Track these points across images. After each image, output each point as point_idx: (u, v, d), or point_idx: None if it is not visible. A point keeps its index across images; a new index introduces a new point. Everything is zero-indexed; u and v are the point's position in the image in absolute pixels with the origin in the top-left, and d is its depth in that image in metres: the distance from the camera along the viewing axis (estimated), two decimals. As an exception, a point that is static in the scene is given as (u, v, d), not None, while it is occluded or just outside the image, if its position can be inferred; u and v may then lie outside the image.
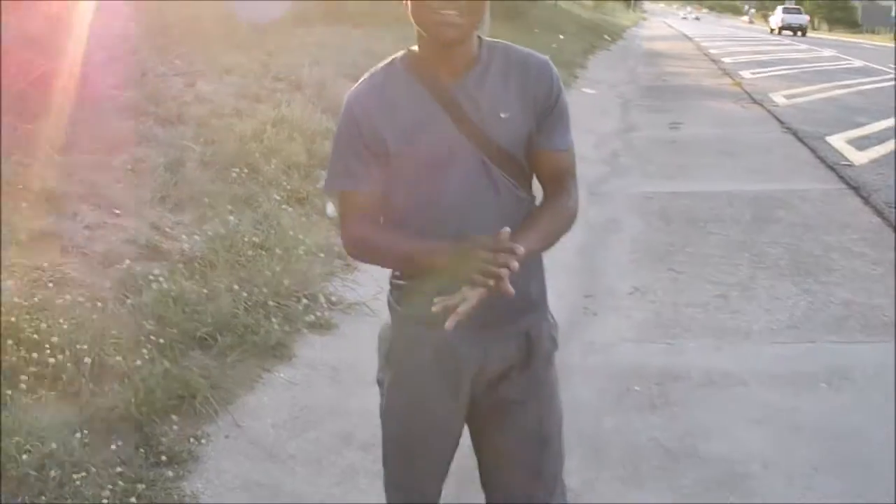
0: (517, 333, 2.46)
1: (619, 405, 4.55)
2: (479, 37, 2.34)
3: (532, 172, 2.40)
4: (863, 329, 5.44)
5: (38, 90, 6.75)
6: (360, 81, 2.38)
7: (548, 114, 2.34)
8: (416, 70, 2.31)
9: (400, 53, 2.37)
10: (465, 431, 2.59)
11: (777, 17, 62.69)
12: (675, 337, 5.38)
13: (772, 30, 62.86)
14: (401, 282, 2.46)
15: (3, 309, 4.16)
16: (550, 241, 2.38)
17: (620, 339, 5.40)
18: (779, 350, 5.16)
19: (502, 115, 2.29)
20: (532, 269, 2.39)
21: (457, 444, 2.60)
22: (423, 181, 2.31)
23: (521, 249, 2.10)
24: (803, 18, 60.32)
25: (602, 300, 6.07)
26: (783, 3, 68.83)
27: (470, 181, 2.30)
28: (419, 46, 2.32)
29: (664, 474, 3.89)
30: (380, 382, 2.59)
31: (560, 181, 2.42)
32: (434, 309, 2.15)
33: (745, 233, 7.53)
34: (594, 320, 5.70)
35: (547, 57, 2.40)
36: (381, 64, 2.38)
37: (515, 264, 2.08)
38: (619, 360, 5.08)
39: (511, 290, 2.09)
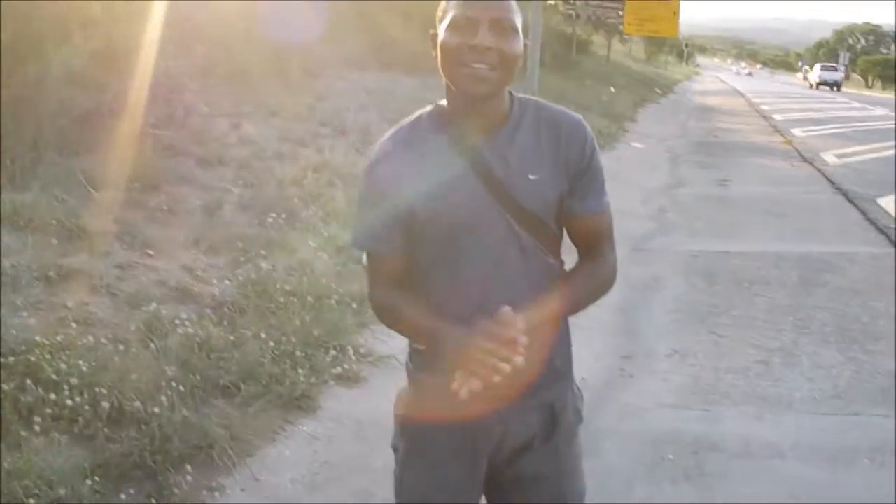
0: (540, 406, 2.33)
1: (651, 474, 4.38)
2: (510, 93, 2.22)
3: (561, 236, 2.29)
4: (910, 403, 5.20)
5: (79, 127, 6.77)
6: (384, 138, 2.27)
7: (581, 176, 2.23)
8: (444, 126, 2.21)
9: (428, 108, 2.27)
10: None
11: (815, 73, 69.38)
12: (714, 403, 5.19)
13: (811, 85, 68.44)
14: (420, 347, 2.34)
15: (23, 348, 4.10)
16: (580, 307, 2.26)
17: (656, 404, 5.22)
18: (821, 422, 4.94)
19: (531, 177, 2.17)
20: (557, 338, 2.27)
21: (473, 518, 2.46)
22: (447, 244, 2.19)
23: (523, 339, 2.00)
24: (838, 75, 66.92)
25: (640, 362, 5.90)
26: (836, 60, 72.67)
27: (496, 245, 2.18)
28: (448, 101, 2.21)
29: (695, 551, 3.71)
30: (395, 448, 2.47)
31: (596, 245, 2.31)
32: (454, 387, 2.04)
33: (790, 296, 7.33)
34: (630, 383, 5.53)
35: (580, 116, 2.28)
36: (408, 120, 2.28)
37: (520, 359, 1.99)
38: (654, 426, 4.90)
39: (520, 361, 2.00)
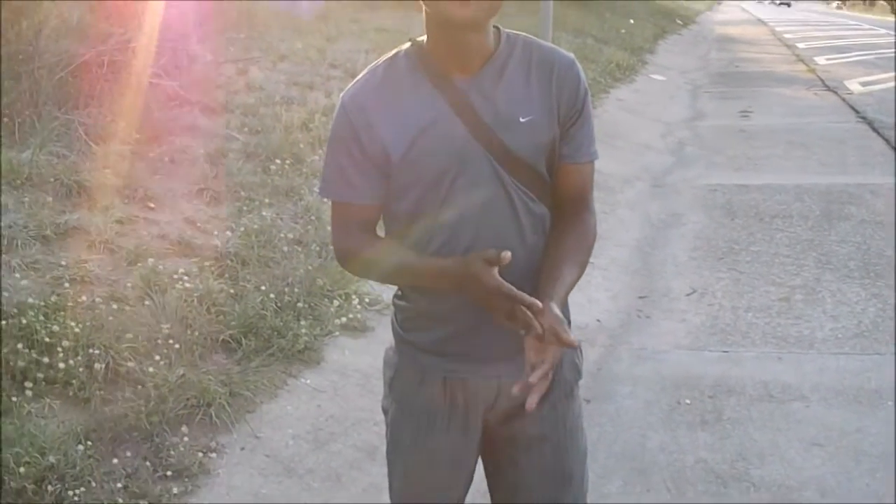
0: (535, 364, 2.18)
1: (667, 420, 4.25)
2: (497, 28, 2.04)
3: (551, 185, 2.12)
4: (938, 340, 5.02)
5: (79, 79, 6.61)
6: (357, 78, 2.10)
7: (574, 121, 2.06)
8: (423, 64, 2.03)
9: (405, 45, 2.09)
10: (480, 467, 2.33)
11: None
12: (733, 345, 5.05)
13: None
14: (404, 303, 2.20)
15: (16, 310, 3.99)
16: (584, 269, 2.10)
17: (673, 346, 5.08)
18: (843, 362, 4.78)
19: (521, 119, 2.00)
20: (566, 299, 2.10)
21: (469, 481, 2.33)
22: (428, 193, 2.03)
23: (538, 305, 1.83)
24: None
25: (657, 302, 5.75)
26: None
27: (482, 194, 2.01)
28: (428, 36, 2.02)
29: (711, 501, 3.58)
30: (385, 411, 2.35)
31: (584, 197, 2.14)
32: (515, 390, 1.90)
33: (812, 230, 7.13)
34: (647, 324, 5.40)
35: (573, 56, 2.10)
36: (384, 58, 2.10)
37: (538, 328, 1.83)
38: (670, 369, 4.77)
39: (575, 341, 1.87)
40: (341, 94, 2.10)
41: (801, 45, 26.99)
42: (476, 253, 1.89)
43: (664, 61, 19.52)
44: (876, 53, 23.85)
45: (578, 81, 2.06)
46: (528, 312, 1.83)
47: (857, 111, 13.24)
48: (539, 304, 1.83)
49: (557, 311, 1.87)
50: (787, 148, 10.65)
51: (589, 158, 2.11)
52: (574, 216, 2.11)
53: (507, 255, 1.84)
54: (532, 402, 1.87)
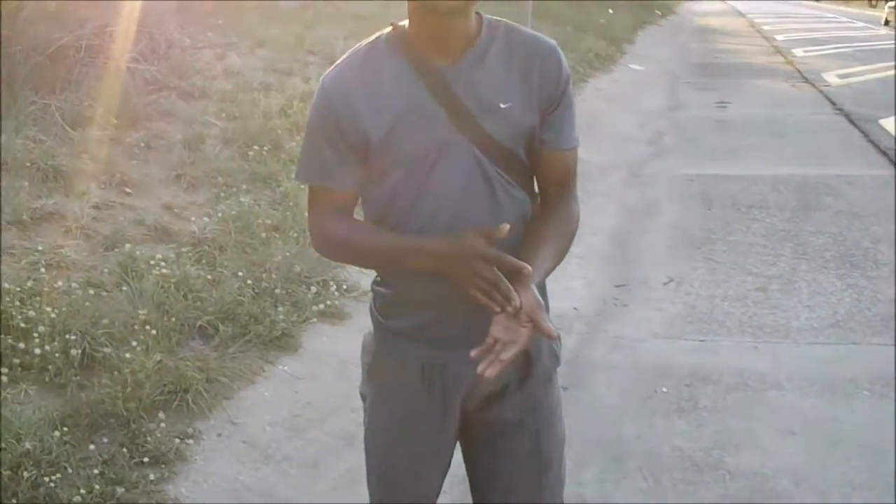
0: (513, 349, 2.18)
1: (643, 408, 4.27)
2: (478, 14, 2.03)
3: (531, 170, 2.12)
4: (912, 330, 5.06)
5: (55, 63, 6.56)
6: (337, 62, 2.09)
7: (555, 107, 2.05)
8: (404, 49, 2.02)
9: (387, 30, 2.08)
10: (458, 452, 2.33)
11: None
12: (709, 334, 5.07)
13: None
14: (382, 289, 2.19)
15: (-10, 295, 3.96)
16: (564, 256, 2.10)
17: (650, 335, 5.10)
18: (819, 351, 4.82)
19: (502, 106, 1.99)
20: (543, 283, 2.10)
21: (447, 468, 2.33)
22: (407, 179, 2.02)
23: (528, 270, 1.83)
24: None
25: (634, 290, 5.77)
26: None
27: (461, 180, 2.01)
28: (410, 21, 2.01)
29: (687, 489, 3.60)
30: (363, 397, 2.34)
31: (565, 183, 2.15)
32: (473, 354, 1.88)
33: (789, 220, 7.17)
34: (623, 312, 5.41)
35: (554, 42, 2.09)
36: (364, 42, 2.09)
37: (518, 300, 1.82)
38: (646, 358, 4.79)
39: (555, 333, 1.88)
40: (321, 78, 2.09)
41: (779, 38, 27.10)
42: (473, 226, 1.90)
43: (643, 51, 19.55)
44: (853, 46, 23.97)
45: (560, 68, 2.06)
46: (511, 288, 1.83)
47: (834, 103, 13.31)
48: (528, 267, 1.83)
49: (537, 294, 1.87)
50: (765, 139, 10.70)
51: (570, 145, 2.11)
52: (556, 203, 2.11)
53: (506, 227, 1.86)
54: (490, 372, 1.85)
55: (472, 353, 1.88)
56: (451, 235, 1.92)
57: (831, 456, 3.80)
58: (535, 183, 2.14)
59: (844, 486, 3.60)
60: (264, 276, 4.80)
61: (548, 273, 2.03)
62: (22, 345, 3.75)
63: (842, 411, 4.17)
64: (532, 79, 2.02)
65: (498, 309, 1.84)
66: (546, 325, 1.85)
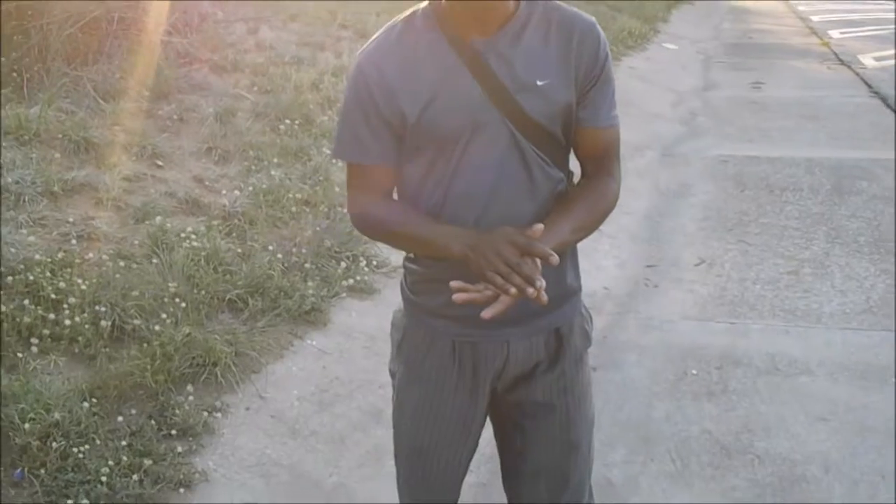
0: (545, 329, 2.16)
1: (673, 390, 4.24)
2: (516, -13, 2.01)
3: (568, 149, 2.10)
4: (947, 318, 4.98)
5: (88, 35, 6.56)
6: (373, 38, 2.07)
7: (593, 84, 2.03)
8: (440, 24, 2.00)
9: (423, 4, 2.06)
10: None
11: None
12: (740, 316, 5.03)
13: None
14: (414, 266, 2.17)
15: (22, 266, 3.97)
16: (588, 231, 2.08)
17: (681, 316, 5.06)
18: (851, 337, 4.76)
19: (539, 83, 1.97)
20: (565, 257, 2.07)
21: (475, 447, 2.33)
22: (443, 155, 2.01)
23: (555, 258, 1.81)
24: None
25: (665, 272, 5.73)
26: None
27: (497, 158, 2.00)
28: (446, -5, 1.99)
29: (715, 473, 3.58)
30: (392, 374, 2.34)
31: (603, 161, 2.12)
32: (455, 298, 1.87)
33: (823, 204, 7.08)
34: (654, 293, 5.37)
35: (593, 18, 2.07)
36: (400, 17, 2.07)
37: (542, 283, 1.80)
38: (677, 339, 4.76)
39: (545, 298, 1.81)
40: (357, 54, 2.08)
41: (815, 18, 26.73)
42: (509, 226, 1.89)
43: (677, 30, 19.35)
44: (890, 29, 23.62)
45: (598, 44, 2.03)
46: (537, 269, 1.82)
47: (870, 86, 13.10)
48: (556, 256, 1.82)
49: (554, 259, 1.84)
50: (799, 121, 10.56)
51: (608, 123, 2.09)
52: (594, 180, 2.10)
53: (540, 227, 1.86)
54: (487, 314, 1.86)
55: (452, 284, 1.88)
56: (485, 230, 1.91)
57: (862, 443, 3.76)
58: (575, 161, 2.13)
59: (874, 473, 3.55)
60: (294, 250, 4.80)
61: (565, 245, 2.00)
62: (52, 316, 3.76)
63: (873, 399, 4.12)
64: (570, 56, 2.00)
65: (514, 291, 1.82)
66: (541, 249, 1.83)
